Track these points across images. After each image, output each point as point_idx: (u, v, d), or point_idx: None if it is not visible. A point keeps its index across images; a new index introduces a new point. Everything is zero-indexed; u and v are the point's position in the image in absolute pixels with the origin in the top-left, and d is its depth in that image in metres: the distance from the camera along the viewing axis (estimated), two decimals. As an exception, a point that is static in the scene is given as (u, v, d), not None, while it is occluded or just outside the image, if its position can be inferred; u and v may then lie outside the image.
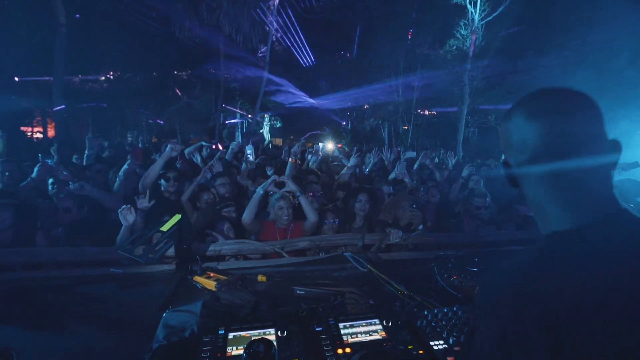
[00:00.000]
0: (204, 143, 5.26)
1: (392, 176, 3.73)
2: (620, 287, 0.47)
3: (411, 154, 6.19)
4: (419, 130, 13.97)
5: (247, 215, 2.49)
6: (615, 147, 0.59)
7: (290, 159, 3.65)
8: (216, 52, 14.02)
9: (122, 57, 12.45)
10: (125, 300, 1.55)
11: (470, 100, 10.75)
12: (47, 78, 11.08)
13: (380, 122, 14.66)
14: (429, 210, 3.27)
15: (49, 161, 3.07)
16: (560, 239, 0.57)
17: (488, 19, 9.89)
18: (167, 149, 2.92)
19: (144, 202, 2.48)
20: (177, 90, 15.88)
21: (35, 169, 2.97)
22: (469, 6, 9.85)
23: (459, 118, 11.12)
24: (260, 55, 15.87)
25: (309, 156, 5.02)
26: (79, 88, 13.33)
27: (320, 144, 5.44)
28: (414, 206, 2.69)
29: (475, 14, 9.84)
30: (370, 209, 2.95)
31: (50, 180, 3.05)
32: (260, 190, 2.58)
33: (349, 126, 18.20)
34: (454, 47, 10.74)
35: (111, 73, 14.20)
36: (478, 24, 9.94)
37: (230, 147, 4.53)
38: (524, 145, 0.61)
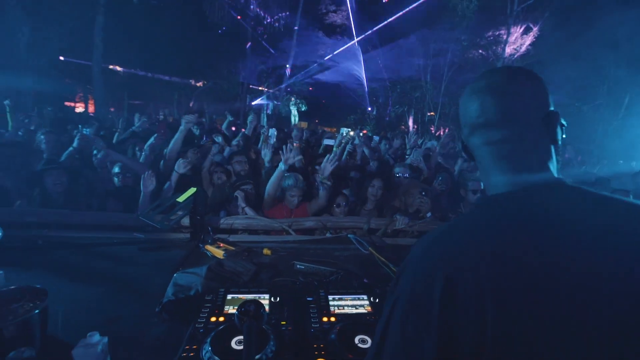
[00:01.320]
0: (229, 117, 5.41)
1: (407, 162, 3.72)
2: (506, 252, 0.51)
3: (432, 143, 6.02)
4: (447, 119, 13.47)
5: (271, 188, 2.60)
6: (551, 120, 0.62)
7: (295, 143, 3.70)
8: (245, 33, 14.11)
9: (156, 40, 12.86)
10: (144, 261, 1.73)
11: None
12: (86, 63, 11.71)
13: (405, 108, 14.27)
14: (441, 199, 3.25)
15: (86, 131, 3.35)
16: (480, 203, 0.64)
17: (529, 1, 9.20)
18: (182, 124, 3.04)
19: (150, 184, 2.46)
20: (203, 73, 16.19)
21: (76, 139, 3.25)
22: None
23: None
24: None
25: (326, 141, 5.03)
26: (115, 69, 14.00)
27: (345, 131, 5.43)
28: (423, 193, 2.70)
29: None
30: (383, 195, 3.00)
31: (95, 152, 3.31)
32: (282, 166, 2.63)
33: (374, 112, 17.88)
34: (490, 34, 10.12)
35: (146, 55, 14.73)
36: (517, 7, 9.28)
37: (248, 121, 4.69)
38: (469, 119, 0.67)
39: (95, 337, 0.94)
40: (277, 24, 15.49)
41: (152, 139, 3.26)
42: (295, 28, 15.07)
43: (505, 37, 9.75)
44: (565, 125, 0.65)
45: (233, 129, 5.75)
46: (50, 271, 1.52)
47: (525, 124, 0.62)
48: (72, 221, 2.16)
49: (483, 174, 0.69)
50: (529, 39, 9.68)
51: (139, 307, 1.30)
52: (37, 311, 1.00)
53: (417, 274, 0.56)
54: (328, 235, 2.30)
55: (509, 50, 9.86)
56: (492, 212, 0.60)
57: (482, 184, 2.97)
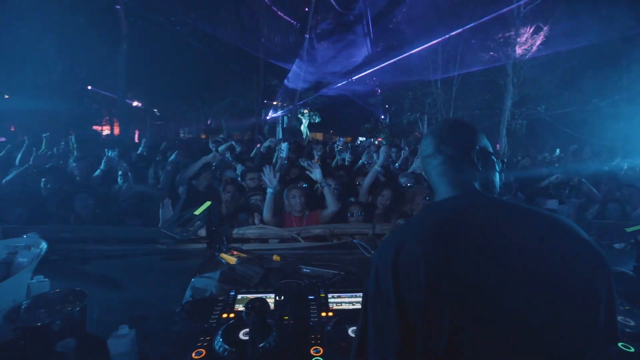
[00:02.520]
0: (233, 143, 5.75)
1: (410, 170, 3.82)
2: (433, 237, 0.70)
3: None
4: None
5: (266, 214, 2.62)
6: (473, 149, 0.86)
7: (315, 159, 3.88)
8: (257, 51, 14.70)
9: (174, 63, 13.66)
10: (165, 269, 1.93)
11: (515, 90, 10.06)
12: (111, 95, 12.55)
13: (418, 115, 14.29)
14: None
15: (112, 154, 3.79)
16: (427, 205, 0.83)
17: (536, 1, 9.14)
18: (210, 156, 3.53)
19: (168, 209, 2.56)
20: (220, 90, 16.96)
21: (103, 162, 3.68)
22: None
23: (503, 109, 10.46)
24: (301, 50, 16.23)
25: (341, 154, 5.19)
26: (138, 92, 14.94)
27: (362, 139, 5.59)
28: (427, 199, 2.78)
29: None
30: (392, 204, 3.11)
31: (120, 172, 3.64)
32: (270, 189, 2.65)
33: (387, 120, 17.94)
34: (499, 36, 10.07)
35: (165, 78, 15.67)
36: (524, 9, 9.23)
37: (267, 143, 4.98)
38: (427, 150, 0.91)
39: (125, 329, 1.11)
40: (289, 40, 16.05)
41: (173, 156, 3.58)
42: (306, 37, 15.52)
43: (514, 37, 9.67)
44: (493, 152, 0.89)
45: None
46: (87, 278, 1.74)
47: (461, 153, 0.87)
48: (103, 236, 2.40)
49: (435, 186, 0.90)
50: (539, 39, 9.56)
51: (161, 308, 1.47)
52: (77, 309, 1.19)
53: (378, 260, 0.72)
54: (334, 241, 2.43)
55: (519, 50, 9.76)
56: (429, 211, 0.85)
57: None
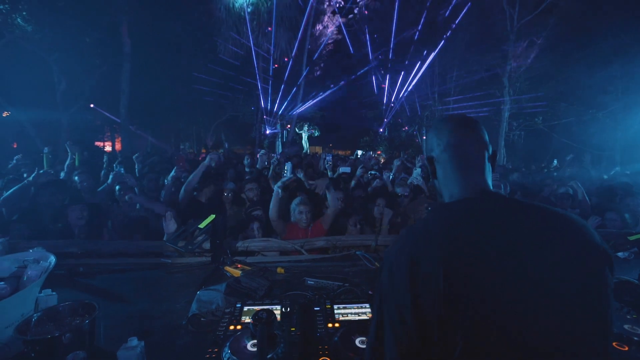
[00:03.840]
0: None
1: (409, 181, 3.86)
2: (453, 240, 0.69)
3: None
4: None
5: (272, 212, 2.81)
6: (486, 148, 0.85)
7: None
8: (256, 67, 15.02)
9: (175, 80, 13.93)
10: (171, 282, 1.93)
11: (511, 102, 10.23)
12: (115, 119, 12.69)
13: (416, 128, 14.46)
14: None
15: (121, 169, 3.85)
16: (439, 207, 0.84)
17: (528, 17, 9.42)
18: (207, 159, 3.39)
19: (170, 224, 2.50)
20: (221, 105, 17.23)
21: (110, 176, 3.73)
22: (506, 7, 9.48)
23: (500, 121, 10.61)
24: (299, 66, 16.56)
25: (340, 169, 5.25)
26: (139, 108, 15.17)
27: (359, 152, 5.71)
28: (429, 208, 2.81)
29: (515, 13, 9.44)
30: (393, 216, 3.14)
31: (117, 187, 3.67)
32: (277, 189, 2.86)
33: (386, 133, 18.14)
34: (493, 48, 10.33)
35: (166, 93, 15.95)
36: (517, 24, 9.50)
37: (261, 159, 5.10)
38: (435, 147, 0.89)
39: (134, 341, 1.12)
40: (288, 57, 16.41)
41: (173, 171, 3.60)
42: (305, 54, 15.89)
43: (508, 52, 9.92)
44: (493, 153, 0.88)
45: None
46: (93, 293, 1.74)
47: (474, 151, 0.84)
48: (108, 250, 2.41)
49: (444, 182, 0.87)
50: (533, 52, 9.80)
51: (168, 321, 1.48)
52: (87, 322, 1.20)
53: (392, 263, 0.72)
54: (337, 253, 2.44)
55: (514, 64, 9.98)
56: (445, 213, 0.79)
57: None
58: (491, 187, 0.82)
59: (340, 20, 16.93)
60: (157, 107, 14.49)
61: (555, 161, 9.40)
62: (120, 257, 2.34)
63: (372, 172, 5.30)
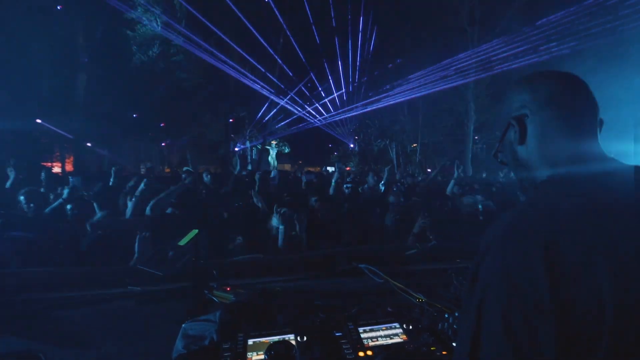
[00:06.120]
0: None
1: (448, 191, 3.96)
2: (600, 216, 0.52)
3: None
4: (427, 150, 14.00)
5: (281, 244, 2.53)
6: (598, 111, 0.68)
7: None
8: (225, 82, 14.66)
9: (135, 93, 13.07)
10: (144, 315, 1.56)
11: (476, 116, 10.82)
12: (67, 135, 11.48)
13: (387, 142, 14.80)
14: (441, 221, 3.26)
15: (77, 180, 3.29)
16: (554, 180, 0.64)
17: (486, 38, 10.20)
18: (187, 180, 3.35)
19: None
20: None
21: (66, 191, 3.16)
22: (467, 28, 10.20)
23: (466, 134, 11.13)
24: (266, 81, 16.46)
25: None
26: (94, 123, 14.03)
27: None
28: (426, 214, 2.68)
29: (474, 34, 10.18)
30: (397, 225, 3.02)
31: (69, 207, 3.16)
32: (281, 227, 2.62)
33: (357, 148, 18.40)
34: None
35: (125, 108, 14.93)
36: (477, 44, 10.23)
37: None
38: (525, 103, 0.70)
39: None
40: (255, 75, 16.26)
41: (142, 185, 3.18)
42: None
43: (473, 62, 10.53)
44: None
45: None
46: (39, 336, 1.33)
47: (586, 109, 0.67)
48: (56, 280, 1.96)
49: (540, 145, 0.69)
50: (493, 68, 10.54)
51: (145, 368, 1.14)
52: (30, 382, 0.85)
53: (507, 253, 0.52)
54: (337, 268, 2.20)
55: (474, 77, 10.61)
56: (573, 188, 0.60)
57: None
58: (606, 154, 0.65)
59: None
60: (115, 122, 13.45)
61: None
62: (75, 288, 1.90)
63: (348, 184, 5.31)
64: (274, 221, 2.81)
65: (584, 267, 0.48)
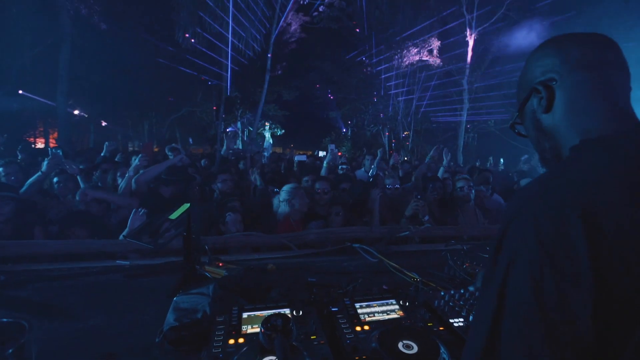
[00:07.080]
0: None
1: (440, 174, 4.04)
2: None
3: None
4: (419, 136, 14.01)
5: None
6: (629, 77, 0.63)
7: None
8: (218, 61, 14.19)
9: (124, 67, 12.51)
10: (132, 290, 1.52)
11: (469, 105, 10.83)
12: (50, 103, 10.89)
13: (380, 128, 14.73)
14: (432, 207, 3.27)
15: (59, 151, 2.89)
16: (587, 146, 0.58)
17: (485, 25, 10.07)
18: (177, 159, 3.22)
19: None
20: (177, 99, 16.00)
21: (45, 162, 2.80)
22: (465, 13, 10.03)
23: (458, 123, 11.17)
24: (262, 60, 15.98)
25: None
26: (81, 98, 13.40)
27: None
28: (419, 197, 2.68)
29: (473, 20, 10.02)
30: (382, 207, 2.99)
31: (55, 179, 3.02)
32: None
33: (349, 133, 18.27)
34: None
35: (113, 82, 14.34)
36: (475, 31, 10.10)
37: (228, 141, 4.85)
38: (553, 66, 0.65)
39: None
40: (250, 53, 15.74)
41: (136, 160, 3.03)
42: (269, 55, 15.35)
43: (469, 53, 10.46)
44: None
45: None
46: (23, 309, 1.28)
47: (617, 69, 0.63)
48: (43, 251, 1.89)
49: (571, 110, 0.64)
50: (489, 57, 10.49)
51: (135, 339, 1.10)
52: (10, 350, 0.80)
53: (539, 222, 0.48)
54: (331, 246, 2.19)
55: (470, 63, 10.54)
56: (608, 155, 0.55)
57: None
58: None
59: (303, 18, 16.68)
60: (101, 97, 12.91)
61: (502, 160, 10.12)
62: (61, 260, 1.84)
63: (343, 165, 5.29)
64: (275, 202, 2.77)
65: (626, 238, 0.45)
